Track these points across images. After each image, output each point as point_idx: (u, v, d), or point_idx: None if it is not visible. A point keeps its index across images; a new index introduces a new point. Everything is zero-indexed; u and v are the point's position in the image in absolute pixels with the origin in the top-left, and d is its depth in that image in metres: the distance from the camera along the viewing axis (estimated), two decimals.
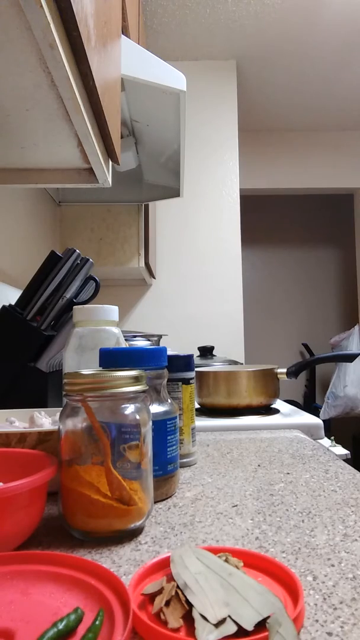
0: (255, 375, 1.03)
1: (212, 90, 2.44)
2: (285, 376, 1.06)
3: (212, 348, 1.87)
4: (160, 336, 1.44)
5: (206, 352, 1.86)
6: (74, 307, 0.66)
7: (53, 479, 0.40)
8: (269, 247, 4.26)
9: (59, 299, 0.80)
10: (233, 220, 2.39)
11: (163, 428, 0.52)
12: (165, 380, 0.56)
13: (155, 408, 0.52)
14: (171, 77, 1.02)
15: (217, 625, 0.26)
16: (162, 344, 1.99)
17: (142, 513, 0.42)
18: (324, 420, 1.09)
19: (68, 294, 0.81)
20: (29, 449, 0.48)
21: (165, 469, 0.52)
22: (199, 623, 0.26)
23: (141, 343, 1.31)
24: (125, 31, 1.05)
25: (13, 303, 0.83)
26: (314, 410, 3.63)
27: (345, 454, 1.03)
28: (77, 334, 0.64)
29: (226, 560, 0.33)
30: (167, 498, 0.52)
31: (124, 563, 0.37)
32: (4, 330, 0.80)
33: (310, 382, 3.94)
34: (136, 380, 0.43)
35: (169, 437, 0.53)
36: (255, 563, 0.34)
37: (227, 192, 2.40)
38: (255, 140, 3.27)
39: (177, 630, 0.26)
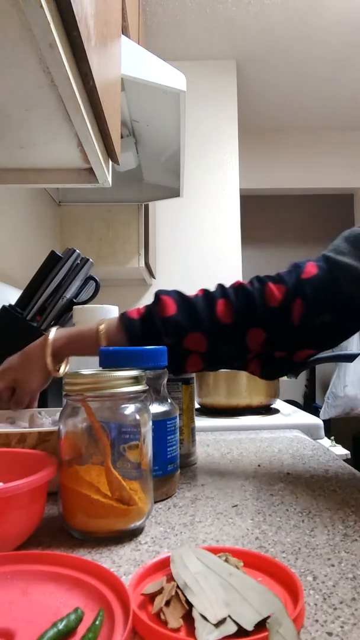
0: None
1: (212, 90, 2.44)
2: (285, 376, 1.06)
3: None
4: None
5: None
6: (74, 307, 0.66)
7: (53, 479, 0.40)
8: (269, 247, 4.25)
9: (59, 299, 0.80)
10: (233, 220, 2.38)
11: (163, 428, 0.52)
12: (165, 380, 0.56)
13: (155, 408, 0.52)
14: (171, 77, 1.02)
15: (217, 625, 0.26)
16: None
17: (142, 513, 0.42)
18: (324, 420, 1.09)
19: (68, 294, 0.81)
20: (29, 449, 0.48)
21: (165, 469, 0.52)
22: (199, 623, 0.26)
23: None
24: (125, 31, 1.05)
25: (13, 303, 0.83)
26: (314, 410, 3.63)
27: (345, 454, 1.03)
28: None
29: (226, 560, 0.33)
30: (167, 498, 0.52)
31: (124, 563, 0.37)
32: (4, 330, 0.80)
33: (310, 382, 3.94)
34: (136, 380, 0.43)
35: (169, 437, 0.53)
36: (255, 563, 0.34)
37: (227, 192, 2.40)
38: (255, 140, 3.27)
39: (177, 630, 0.26)
